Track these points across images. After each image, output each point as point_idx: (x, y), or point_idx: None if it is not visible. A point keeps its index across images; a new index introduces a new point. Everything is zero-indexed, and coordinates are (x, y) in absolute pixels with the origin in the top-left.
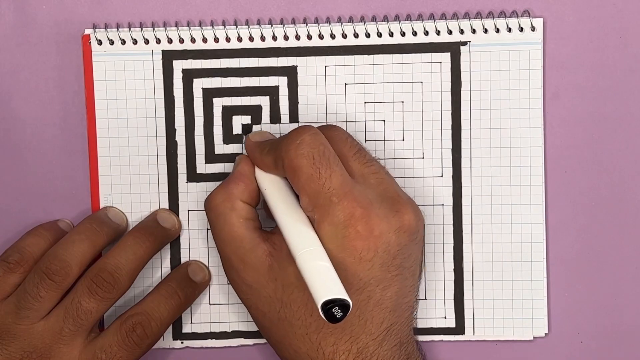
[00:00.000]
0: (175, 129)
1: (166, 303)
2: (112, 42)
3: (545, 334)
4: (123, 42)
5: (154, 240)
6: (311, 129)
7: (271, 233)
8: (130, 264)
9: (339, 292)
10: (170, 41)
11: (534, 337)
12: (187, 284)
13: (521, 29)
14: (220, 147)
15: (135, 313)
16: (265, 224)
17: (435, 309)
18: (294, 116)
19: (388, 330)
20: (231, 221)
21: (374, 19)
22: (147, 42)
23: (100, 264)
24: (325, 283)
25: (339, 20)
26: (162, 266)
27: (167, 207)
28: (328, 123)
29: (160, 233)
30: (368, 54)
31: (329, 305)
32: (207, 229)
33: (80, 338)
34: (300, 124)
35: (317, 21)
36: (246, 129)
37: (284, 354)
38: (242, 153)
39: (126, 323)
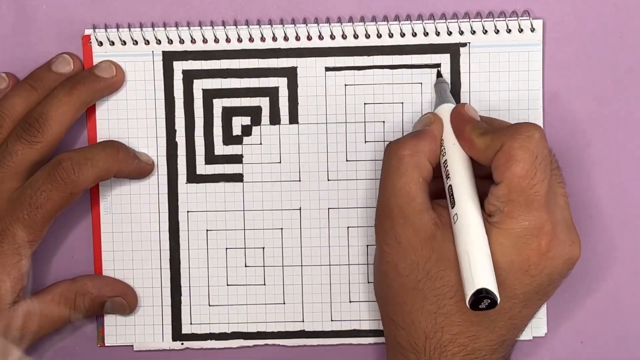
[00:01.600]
0: (175, 130)
1: (103, 151)
2: (112, 43)
3: (545, 334)
4: (123, 42)
5: (84, 89)
6: (540, 129)
7: (438, 204)
8: (56, 109)
9: (494, 287)
10: (170, 42)
11: (533, 337)
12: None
13: (521, 30)
14: (220, 148)
15: (66, 154)
16: None
17: None
18: (293, 117)
19: (503, 343)
20: (412, 176)
21: (373, 20)
22: (147, 42)
23: (29, 112)
24: (485, 272)
25: (339, 21)
26: (161, 267)
27: (166, 208)
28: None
29: (94, 81)
30: (368, 55)
31: (480, 294)
32: (207, 230)
33: (11, 181)
34: (300, 125)
35: (317, 21)
36: (246, 130)
37: (398, 320)
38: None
39: (55, 160)
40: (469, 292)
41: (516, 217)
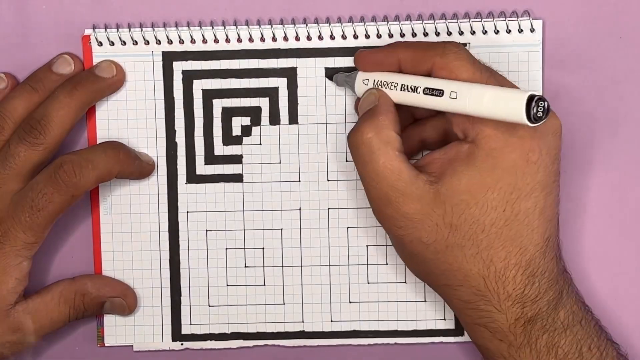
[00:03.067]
0: (175, 130)
1: (104, 153)
2: (112, 43)
3: None
4: (123, 43)
5: (84, 89)
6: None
7: (418, 165)
8: (57, 111)
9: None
10: (170, 42)
11: None
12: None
13: (521, 31)
14: (219, 149)
15: (67, 156)
16: None
17: (434, 311)
18: (293, 117)
19: (548, 241)
20: (387, 153)
21: (373, 20)
22: (147, 42)
23: (30, 114)
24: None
25: (339, 21)
26: (161, 267)
27: (166, 208)
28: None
29: (94, 81)
30: None
31: (532, 100)
32: (207, 230)
33: (13, 183)
34: (300, 125)
35: (317, 21)
36: (246, 130)
37: (451, 282)
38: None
39: (56, 162)
40: (523, 105)
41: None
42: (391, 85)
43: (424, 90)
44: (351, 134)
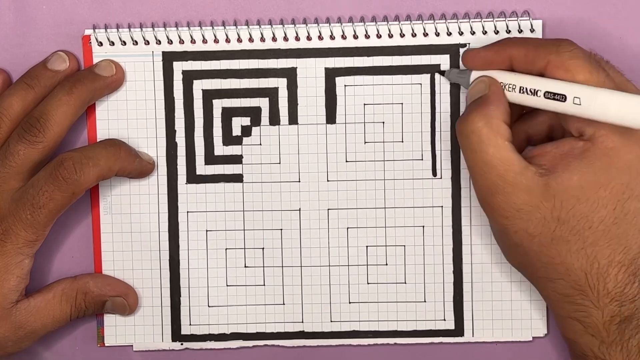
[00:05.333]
0: (175, 130)
1: (105, 150)
2: (112, 43)
3: (545, 334)
4: (123, 43)
5: (83, 88)
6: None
7: (529, 155)
8: (56, 109)
9: None
10: (170, 42)
11: (533, 338)
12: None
13: (520, 31)
14: (219, 149)
15: (68, 153)
16: None
17: (434, 311)
18: (293, 118)
19: None
20: (497, 143)
21: (373, 20)
22: (147, 43)
23: (30, 113)
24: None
25: (339, 21)
26: (161, 267)
27: (166, 208)
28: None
29: (93, 80)
30: (367, 56)
31: None
32: (207, 230)
33: (13, 181)
34: (299, 125)
35: (316, 22)
36: (245, 130)
37: (551, 275)
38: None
39: (56, 159)
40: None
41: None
42: (509, 87)
43: (544, 94)
44: (460, 122)
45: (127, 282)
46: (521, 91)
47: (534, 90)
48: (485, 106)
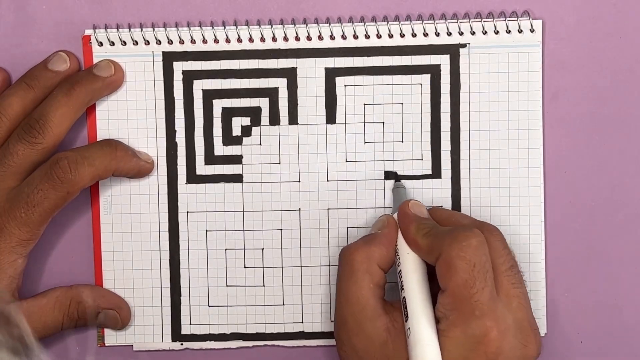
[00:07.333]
0: (175, 130)
1: (101, 150)
2: (112, 44)
3: (545, 334)
4: (123, 43)
5: (82, 89)
6: (479, 235)
7: (392, 306)
8: (55, 111)
9: None
10: (170, 42)
11: None
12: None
13: (520, 31)
14: (219, 149)
15: (64, 153)
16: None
17: None
18: (293, 118)
19: None
20: (362, 283)
21: (373, 20)
22: (147, 43)
23: (29, 114)
24: None
25: (339, 21)
26: (161, 267)
27: (166, 208)
28: (486, 222)
29: (92, 81)
30: (367, 56)
31: None
32: (207, 230)
33: (10, 180)
34: (299, 126)
35: (316, 22)
36: (245, 130)
37: None
38: (384, 214)
39: (52, 159)
40: None
41: (460, 325)
42: (397, 258)
43: (402, 299)
44: (344, 249)
45: (121, 296)
46: (398, 269)
47: (401, 284)
48: (369, 245)
